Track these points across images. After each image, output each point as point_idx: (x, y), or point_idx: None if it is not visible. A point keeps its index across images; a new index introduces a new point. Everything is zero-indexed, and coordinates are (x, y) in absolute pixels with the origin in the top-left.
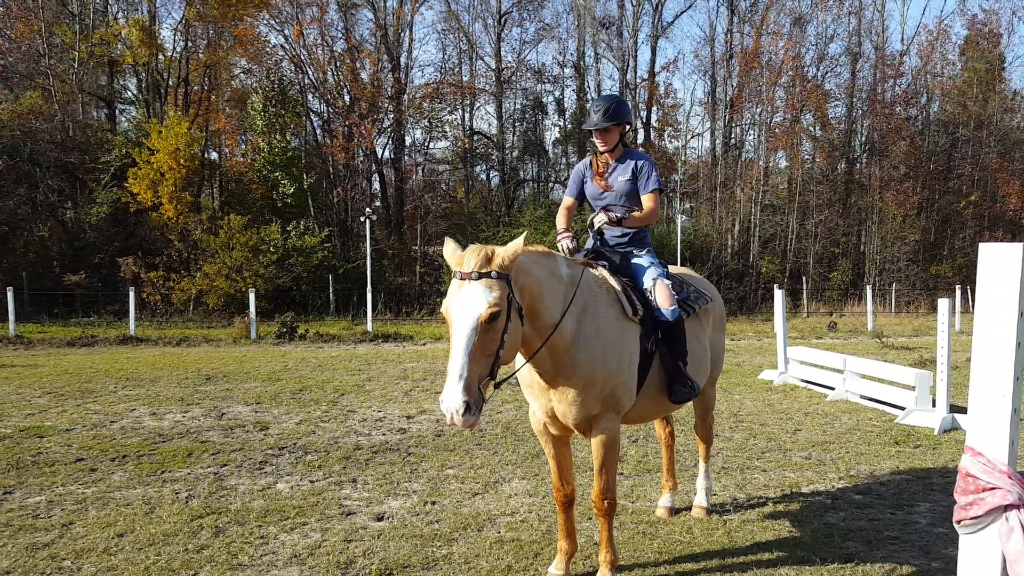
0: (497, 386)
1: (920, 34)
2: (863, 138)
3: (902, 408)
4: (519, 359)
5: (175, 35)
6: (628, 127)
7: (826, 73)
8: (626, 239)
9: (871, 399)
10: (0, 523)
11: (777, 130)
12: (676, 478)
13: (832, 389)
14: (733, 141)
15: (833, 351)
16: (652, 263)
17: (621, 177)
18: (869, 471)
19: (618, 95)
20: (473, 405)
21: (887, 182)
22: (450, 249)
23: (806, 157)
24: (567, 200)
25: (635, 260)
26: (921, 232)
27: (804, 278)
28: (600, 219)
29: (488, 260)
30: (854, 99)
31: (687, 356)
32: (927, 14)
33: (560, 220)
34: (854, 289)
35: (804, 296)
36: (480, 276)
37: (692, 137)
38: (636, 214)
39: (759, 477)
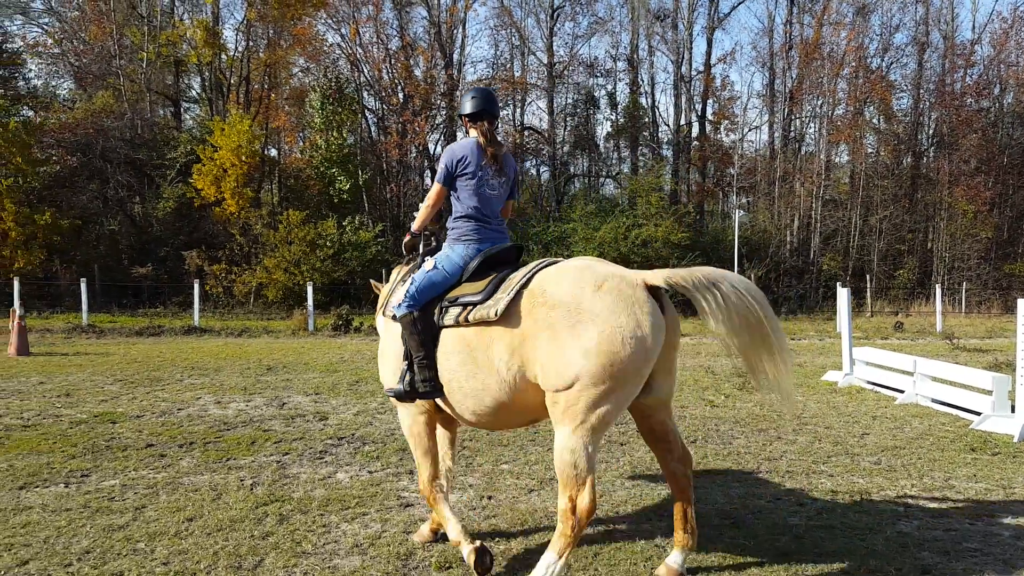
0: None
1: (993, 22)
2: (931, 131)
3: (978, 413)
4: None
5: (237, 35)
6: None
7: (891, 64)
8: (446, 232)
9: (943, 403)
10: (79, 504)
11: (839, 123)
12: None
13: (901, 392)
14: (792, 134)
15: (901, 352)
16: (425, 259)
17: None
18: (944, 479)
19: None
20: None
21: (957, 177)
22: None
23: (870, 151)
24: None
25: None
26: (994, 229)
27: (868, 276)
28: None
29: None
30: (921, 90)
31: (417, 356)
32: (1001, 1)
33: None
34: (921, 288)
35: (868, 295)
36: None
37: (749, 130)
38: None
39: (826, 482)
